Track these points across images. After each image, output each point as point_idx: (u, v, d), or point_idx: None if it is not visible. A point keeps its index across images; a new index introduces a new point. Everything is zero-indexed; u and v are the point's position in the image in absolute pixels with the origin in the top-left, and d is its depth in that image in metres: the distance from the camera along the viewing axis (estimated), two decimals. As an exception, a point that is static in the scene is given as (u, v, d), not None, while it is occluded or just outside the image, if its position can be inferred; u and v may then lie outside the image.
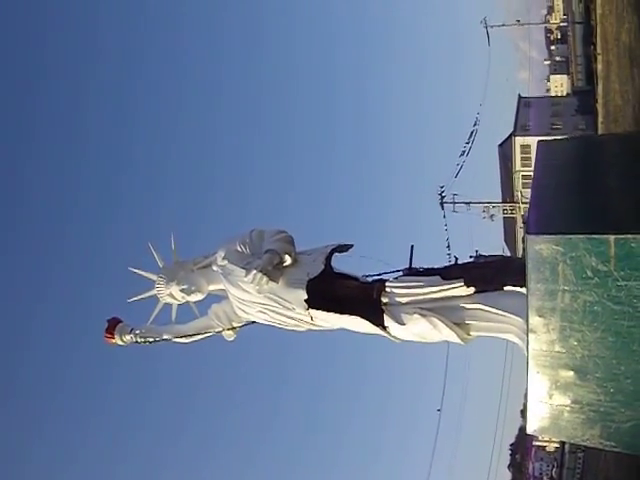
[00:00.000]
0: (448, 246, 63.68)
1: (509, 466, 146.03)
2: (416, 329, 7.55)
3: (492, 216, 68.44)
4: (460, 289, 7.34)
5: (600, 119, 44.37)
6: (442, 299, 7.45)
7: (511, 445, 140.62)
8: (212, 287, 8.74)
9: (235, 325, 8.58)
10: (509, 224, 75.72)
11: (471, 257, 8.64)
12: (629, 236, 5.83)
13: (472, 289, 7.32)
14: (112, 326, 9.00)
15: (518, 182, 71.36)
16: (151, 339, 8.98)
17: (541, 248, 6.08)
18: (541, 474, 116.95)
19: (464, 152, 68.91)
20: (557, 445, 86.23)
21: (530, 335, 6.65)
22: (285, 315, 8.00)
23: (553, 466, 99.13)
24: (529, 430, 7.84)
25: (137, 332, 8.95)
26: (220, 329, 8.65)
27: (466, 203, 66.35)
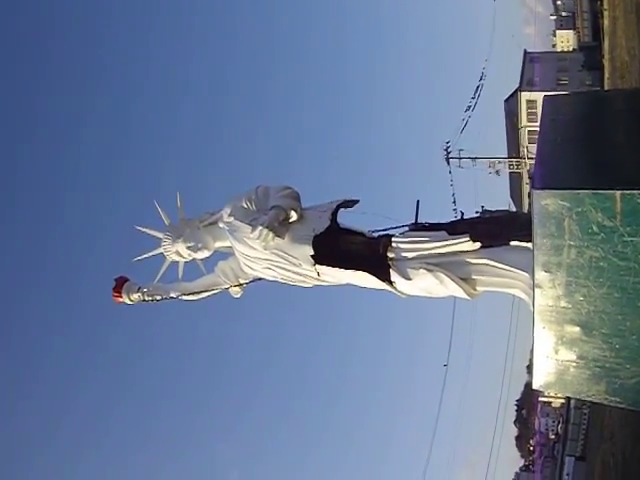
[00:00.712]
0: (454, 201, 63.45)
1: (515, 422, 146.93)
2: (422, 284, 7.58)
3: (498, 171, 68.21)
4: (466, 244, 7.34)
5: (607, 75, 44.17)
6: (448, 254, 7.46)
7: (517, 401, 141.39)
8: (218, 244, 8.76)
9: (242, 282, 8.61)
10: (515, 179, 75.53)
11: (477, 212, 8.53)
12: (635, 192, 5.81)
13: (478, 244, 7.33)
14: (120, 285, 9.04)
15: (524, 137, 71.16)
16: (158, 297, 9.01)
17: (547, 203, 6.06)
18: (547, 429, 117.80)
19: (470, 107, 68.63)
20: (563, 401, 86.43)
21: (536, 290, 6.65)
22: (292, 271, 8.02)
23: (559, 422, 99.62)
24: (535, 385, 7.86)
25: (144, 290, 8.99)
26: (227, 286, 8.69)
27: (472, 158, 66.10)
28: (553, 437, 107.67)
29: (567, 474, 64.68)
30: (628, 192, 5.84)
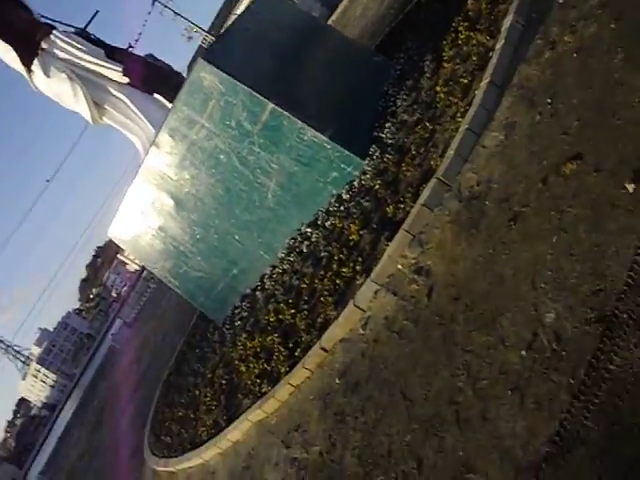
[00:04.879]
0: (137, 40, 62.02)
1: (88, 266, 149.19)
2: (58, 88, 7.40)
3: (190, 38, 67.49)
4: (116, 74, 7.27)
5: (334, 17, 44.83)
6: (96, 74, 7.34)
7: (98, 247, 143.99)
8: None
9: None
10: (201, 53, 75.17)
11: (145, 55, 8.58)
12: (286, 113, 5.96)
13: (126, 79, 7.28)
14: None
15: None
16: None
17: (204, 76, 6.00)
18: (112, 286, 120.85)
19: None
20: (138, 269, 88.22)
21: (152, 148, 6.66)
22: None
23: (125, 285, 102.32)
24: (110, 233, 7.90)
25: None
26: None
27: (175, 13, 64.90)
28: (114, 296, 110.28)
29: (112, 334, 68.50)
30: (280, 109, 5.98)
